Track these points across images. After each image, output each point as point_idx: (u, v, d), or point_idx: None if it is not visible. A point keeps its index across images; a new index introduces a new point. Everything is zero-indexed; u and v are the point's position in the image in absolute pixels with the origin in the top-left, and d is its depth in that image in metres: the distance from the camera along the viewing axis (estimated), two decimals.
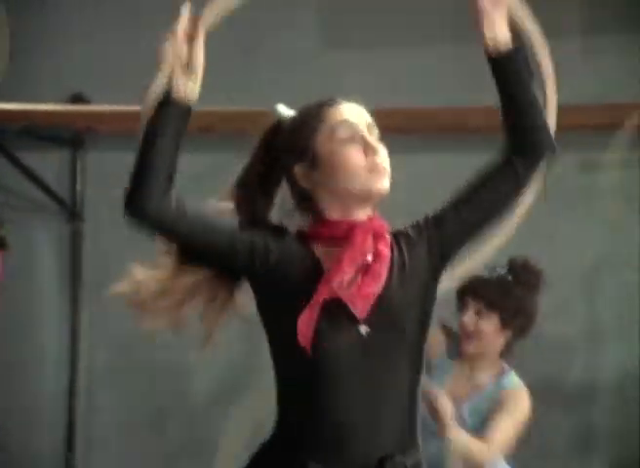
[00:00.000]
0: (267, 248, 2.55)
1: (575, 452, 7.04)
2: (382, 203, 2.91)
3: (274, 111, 2.78)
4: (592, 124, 6.71)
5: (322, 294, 2.46)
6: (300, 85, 7.08)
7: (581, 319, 7.00)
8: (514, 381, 4.11)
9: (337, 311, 2.47)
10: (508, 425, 4.01)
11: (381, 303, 2.51)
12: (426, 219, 2.69)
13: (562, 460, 7.02)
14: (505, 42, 2.58)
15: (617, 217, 6.83)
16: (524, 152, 2.60)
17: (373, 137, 2.61)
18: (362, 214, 2.60)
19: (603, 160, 7.03)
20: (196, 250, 2.57)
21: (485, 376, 4.17)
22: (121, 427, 7.21)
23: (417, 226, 2.69)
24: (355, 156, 2.56)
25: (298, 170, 2.58)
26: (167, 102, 2.45)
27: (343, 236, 2.57)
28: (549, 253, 6.44)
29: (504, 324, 4.13)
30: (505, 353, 4.23)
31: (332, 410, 2.50)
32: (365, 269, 2.54)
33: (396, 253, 2.64)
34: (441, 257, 2.66)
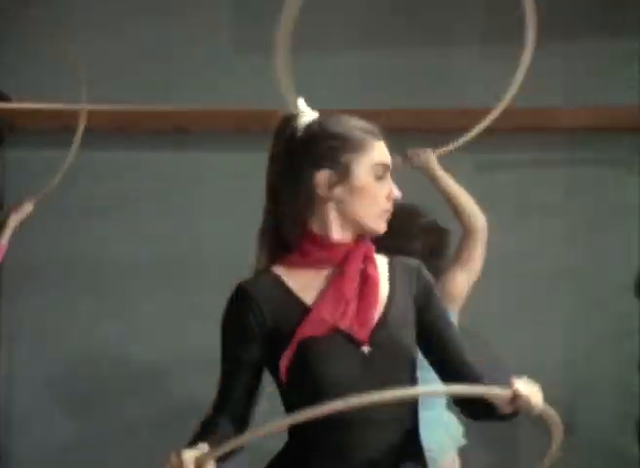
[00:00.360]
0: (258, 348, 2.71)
1: None
2: None
3: (293, 103, 2.97)
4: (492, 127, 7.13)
5: (303, 333, 2.61)
6: (213, 88, 7.44)
7: None
8: None
9: (337, 337, 2.61)
10: None
11: (380, 322, 2.66)
12: (427, 289, 2.83)
13: None
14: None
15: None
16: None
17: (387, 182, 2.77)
18: (353, 239, 2.74)
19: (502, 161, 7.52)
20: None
21: None
22: (42, 411, 7.42)
23: (416, 281, 2.82)
24: (382, 197, 2.72)
25: (322, 175, 2.67)
26: None
27: (340, 261, 2.70)
28: None
29: None
30: None
31: (337, 424, 2.60)
32: (359, 296, 2.67)
33: (391, 273, 2.80)
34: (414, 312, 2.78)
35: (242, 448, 2.58)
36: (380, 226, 2.74)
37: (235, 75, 7.51)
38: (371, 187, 2.71)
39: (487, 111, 5.90)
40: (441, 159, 5.94)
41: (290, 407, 2.70)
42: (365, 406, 2.35)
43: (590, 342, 7.39)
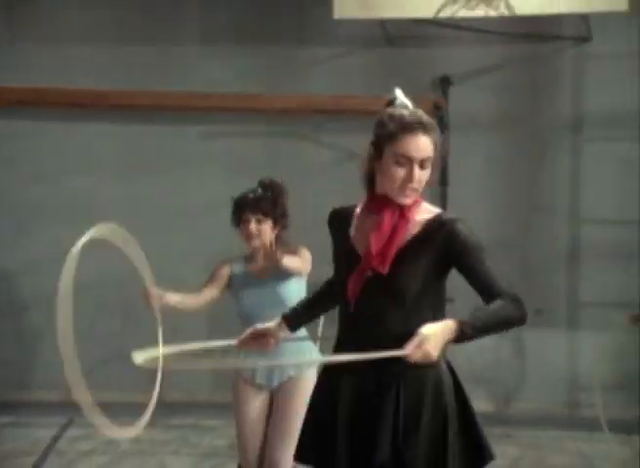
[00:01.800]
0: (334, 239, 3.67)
1: None
2: None
3: (393, 93, 3.62)
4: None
5: (365, 263, 3.44)
6: None
7: None
8: (294, 245, 5.53)
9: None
10: (297, 261, 5.36)
11: (396, 262, 3.42)
12: (451, 236, 3.43)
13: None
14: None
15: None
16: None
17: (418, 169, 3.38)
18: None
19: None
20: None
21: (273, 254, 5.40)
22: None
23: (446, 230, 3.43)
24: (398, 177, 3.38)
25: (370, 152, 3.46)
26: None
27: (375, 211, 3.51)
28: None
29: (275, 224, 5.46)
30: (276, 242, 5.55)
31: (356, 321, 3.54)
32: (390, 240, 3.45)
33: (424, 230, 3.46)
34: (439, 256, 3.44)
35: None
36: (401, 199, 3.42)
37: None
38: (390, 168, 3.38)
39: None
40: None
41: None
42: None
43: None
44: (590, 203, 9.71)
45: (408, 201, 3.41)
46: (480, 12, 8.66)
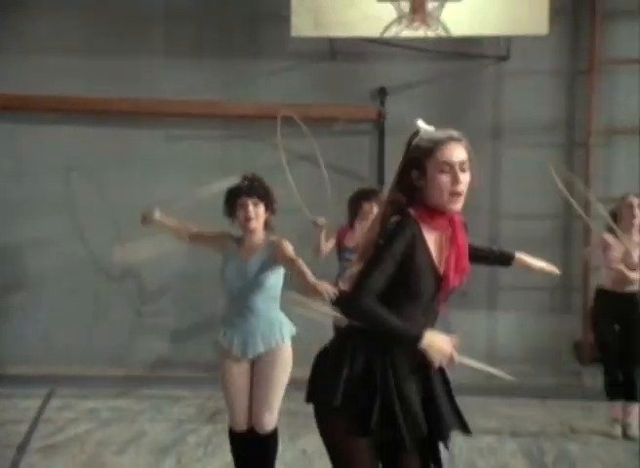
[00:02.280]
0: (402, 261, 3.50)
1: None
2: None
3: (415, 124, 3.75)
4: None
5: (447, 285, 3.59)
6: None
7: None
8: (276, 236, 5.72)
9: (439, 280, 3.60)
10: (290, 249, 5.57)
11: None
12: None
13: None
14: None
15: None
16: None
17: (460, 173, 3.53)
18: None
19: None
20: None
21: (259, 240, 5.68)
22: None
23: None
24: (445, 183, 3.52)
25: (414, 174, 3.55)
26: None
27: (444, 227, 3.60)
28: None
29: (267, 208, 5.65)
30: (267, 226, 5.76)
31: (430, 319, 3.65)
32: (460, 259, 3.65)
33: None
34: None
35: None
36: (452, 206, 3.56)
37: None
38: (436, 179, 3.52)
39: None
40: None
41: (395, 300, 3.58)
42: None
43: None
44: (508, 201, 10.20)
45: (458, 206, 3.58)
46: (420, 32, 9.16)
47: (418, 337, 3.44)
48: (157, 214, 5.98)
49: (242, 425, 5.77)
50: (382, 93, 10.12)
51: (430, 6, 9.22)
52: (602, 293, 7.76)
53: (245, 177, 5.76)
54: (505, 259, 4.34)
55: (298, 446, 7.09)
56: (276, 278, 5.66)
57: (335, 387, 3.60)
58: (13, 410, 8.32)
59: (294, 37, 9.61)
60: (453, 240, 3.62)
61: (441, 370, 3.72)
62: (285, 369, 5.68)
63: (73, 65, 10.10)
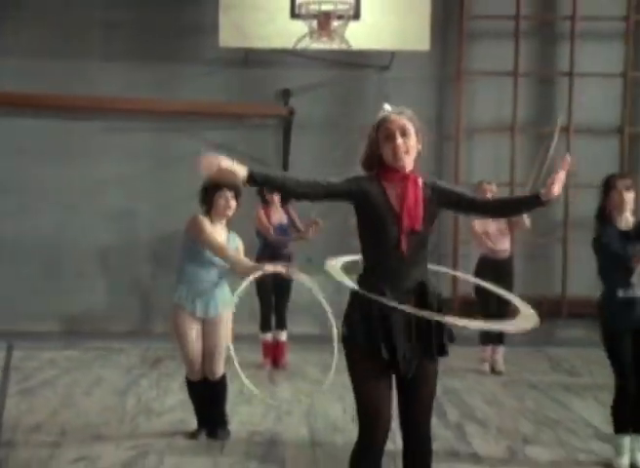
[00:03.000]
0: (359, 189, 3.85)
1: None
2: None
3: (383, 108, 4.05)
4: None
5: (407, 224, 3.84)
6: None
7: None
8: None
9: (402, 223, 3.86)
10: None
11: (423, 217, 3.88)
12: (441, 187, 3.96)
13: None
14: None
15: None
16: (485, 213, 4.25)
17: (400, 137, 3.83)
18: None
19: None
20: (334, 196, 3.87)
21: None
22: None
23: (436, 186, 3.94)
24: (387, 146, 3.86)
25: (374, 145, 3.91)
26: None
27: (400, 182, 3.87)
28: None
29: (237, 201, 5.91)
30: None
31: (397, 256, 3.85)
32: (414, 202, 3.88)
33: (427, 191, 3.92)
34: (437, 206, 3.94)
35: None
36: (398, 164, 3.87)
37: None
38: (381, 144, 3.89)
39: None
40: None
41: (366, 245, 3.93)
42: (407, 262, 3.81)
43: None
44: None
45: (403, 164, 3.87)
46: (326, 45, 9.52)
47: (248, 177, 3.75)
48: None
49: (198, 375, 6.09)
50: (287, 94, 10.59)
51: (335, 23, 9.48)
52: (482, 258, 8.56)
53: None
54: (534, 200, 4.05)
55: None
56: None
57: (350, 329, 3.88)
58: None
59: (214, 46, 9.88)
60: (405, 191, 3.87)
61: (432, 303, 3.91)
62: (228, 327, 6.00)
63: (26, 66, 10.41)
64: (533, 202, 3.96)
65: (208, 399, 6.21)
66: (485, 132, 10.78)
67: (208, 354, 6.06)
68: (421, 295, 3.87)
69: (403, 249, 3.84)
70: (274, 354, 8.65)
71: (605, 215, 5.59)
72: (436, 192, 3.96)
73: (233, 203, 5.98)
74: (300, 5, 9.65)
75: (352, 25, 9.67)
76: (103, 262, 10.82)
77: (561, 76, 10.96)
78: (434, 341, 3.87)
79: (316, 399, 7.22)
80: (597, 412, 6.88)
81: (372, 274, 3.91)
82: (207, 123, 10.64)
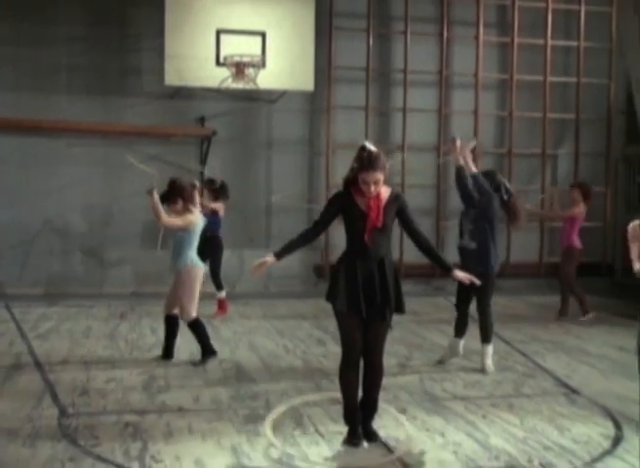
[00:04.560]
0: (341, 206, 4.45)
1: None
2: None
3: (364, 143, 4.54)
4: None
5: (370, 224, 4.42)
6: None
7: None
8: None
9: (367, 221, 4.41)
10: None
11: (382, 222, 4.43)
12: (402, 202, 4.51)
13: None
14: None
15: None
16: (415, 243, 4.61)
17: (373, 185, 4.39)
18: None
19: None
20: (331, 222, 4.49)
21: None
22: None
23: (399, 199, 4.50)
24: (363, 186, 4.43)
25: (354, 169, 4.45)
26: None
27: (367, 196, 4.41)
28: None
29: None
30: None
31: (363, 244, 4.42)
32: (376, 211, 4.41)
33: (390, 201, 4.46)
34: (394, 212, 4.46)
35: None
36: (368, 193, 4.41)
37: None
38: (361, 183, 4.41)
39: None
40: None
41: (349, 234, 4.52)
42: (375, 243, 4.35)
43: None
44: (277, 186, 11.58)
45: (371, 196, 4.46)
46: (241, 85, 10.39)
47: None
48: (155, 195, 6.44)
49: (172, 312, 6.72)
50: (202, 119, 11.39)
51: (249, 70, 10.38)
52: None
53: (175, 181, 6.68)
54: (443, 268, 4.68)
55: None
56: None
57: (332, 289, 4.56)
58: None
59: (150, 83, 10.85)
60: (369, 203, 4.47)
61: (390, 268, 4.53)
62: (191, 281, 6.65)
63: (6, 97, 10.80)
64: (443, 268, 4.66)
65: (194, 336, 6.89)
66: (345, 149, 10.95)
67: (176, 297, 6.76)
68: (381, 267, 4.53)
69: (366, 240, 4.49)
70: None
71: None
72: (397, 204, 4.56)
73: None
74: (224, 56, 10.43)
75: (260, 71, 10.52)
76: (67, 243, 11.28)
77: (396, 111, 12.00)
78: (390, 303, 4.55)
79: (253, 337, 8.04)
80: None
81: (350, 250, 4.57)
82: (144, 140, 11.29)
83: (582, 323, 9.21)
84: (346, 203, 4.47)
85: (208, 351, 6.90)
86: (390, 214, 4.52)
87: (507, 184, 6.74)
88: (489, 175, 6.73)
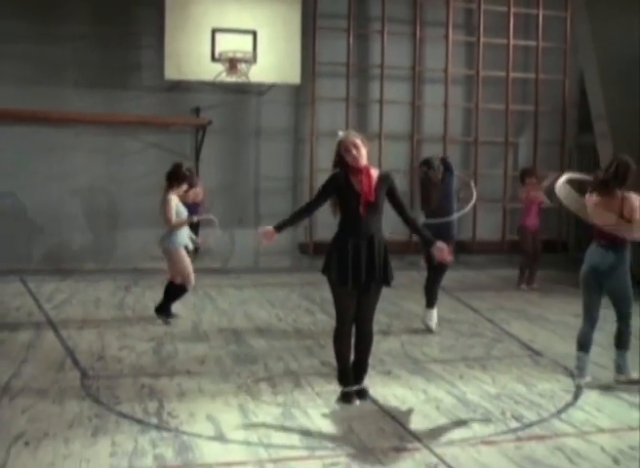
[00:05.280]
0: (336, 187, 4.43)
1: None
2: None
3: (340, 133, 4.54)
4: None
5: (364, 198, 4.40)
6: None
7: None
8: None
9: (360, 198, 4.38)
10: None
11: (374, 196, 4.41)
12: (391, 181, 4.50)
13: None
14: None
15: None
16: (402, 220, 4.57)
17: (354, 149, 4.39)
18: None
19: None
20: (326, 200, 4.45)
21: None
22: None
23: (388, 178, 4.50)
24: (347, 155, 4.43)
25: (338, 151, 4.47)
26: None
27: (358, 173, 4.41)
28: None
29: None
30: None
31: (358, 219, 4.40)
32: (368, 186, 4.39)
33: (380, 180, 4.45)
34: (385, 191, 4.44)
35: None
36: (354, 164, 4.41)
37: None
38: (344, 154, 4.43)
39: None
40: None
41: (343, 212, 4.49)
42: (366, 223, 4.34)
43: None
44: (264, 170, 11.67)
45: (358, 164, 4.43)
46: (234, 78, 10.39)
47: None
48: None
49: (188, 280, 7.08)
50: (198, 110, 11.30)
51: (241, 65, 10.40)
52: None
53: (181, 166, 7.00)
54: (426, 243, 4.69)
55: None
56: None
57: (327, 263, 4.61)
58: (8, 292, 8.89)
59: (151, 77, 10.79)
60: (362, 179, 4.48)
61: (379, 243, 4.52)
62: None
63: (20, 91, 10.68)
64: (425, 243, 4.72)
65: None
66: (327, 136, 11.05)
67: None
68: (370, 244, 4.56)
69: (362, 213, 4.49)
70: None
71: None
72: (386, 184, 4.57)
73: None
74: (219, 53, 10.45)
75: (251, 66, 10.56)
76: (75, 223, 11.24)
77: (374, 103, 12.05)
78: (379, 274, 4.62)
79: (247, 308, 8.13)
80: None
81: (343, 229, 4.58)
82: (145, 129, 11.27)
83: (542, 293, 9.38)
84: (342, 183, 4.47)
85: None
86: (381, 192, 4.53)
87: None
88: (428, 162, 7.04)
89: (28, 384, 5.15)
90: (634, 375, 5.19)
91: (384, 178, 4.54)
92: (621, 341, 5.14)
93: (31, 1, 10.89)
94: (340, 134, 4.51)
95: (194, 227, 8.30)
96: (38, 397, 4.88)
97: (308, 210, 4.69)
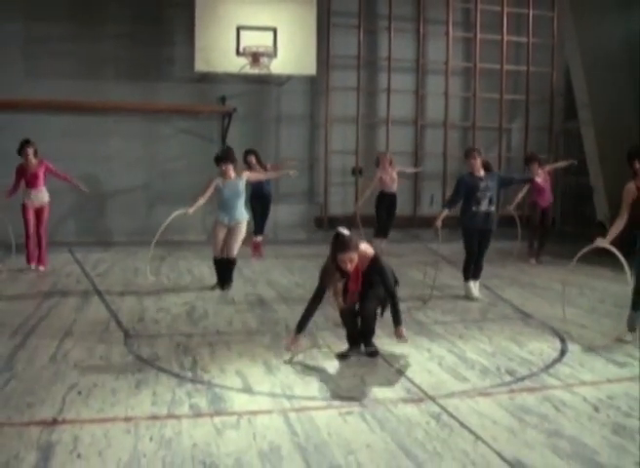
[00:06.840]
0: (330, 280, 4.37)
1: None
2: None
3: (338, 229, 4.36)
4: None
5: (351, 289, 4.45)
6: None
7: None
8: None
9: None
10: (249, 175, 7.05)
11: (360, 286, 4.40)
12: (379, 265, 4.41)
13: None
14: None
15: None
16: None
17: (349, 263, 4.30)
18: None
19: None
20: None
21: (232, 176, 6.81)
22: None
23: (377, 262, 4.40)
24: (342, 266, 4.33)
25: (335, 257, 4.33)
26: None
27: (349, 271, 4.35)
28: None
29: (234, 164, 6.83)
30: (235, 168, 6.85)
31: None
32: (355, 282, 4.41)
33: (369, 267, 4.39)
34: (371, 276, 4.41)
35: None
36: (347, 270, 4.39)
37: None
38: (340, 264, 4.36)
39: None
40: None
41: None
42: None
43: None
44: (284, 153, 11.23)
45: (349, 272, 4.45)
46: (256, 70, 10.33)
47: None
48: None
49: (220, 254, 6.91)
50: (224, 98, 11.21)
51: (263, 59, 10.36)
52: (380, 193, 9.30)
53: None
54: (395, 320, 4.60)
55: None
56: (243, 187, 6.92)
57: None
58: (59, 262, 8.73)
59: (181, 70, 10.65)
60: (352, 275, 4.52)
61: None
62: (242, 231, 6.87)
63: (63, 83, 10.48)
64: (395, 320, 4.55)
65: (225, 269, 7.03)
66: (340, 122, 11.63)
67: (228, 243, 6.89)
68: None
69: (348, 298, 4.57)
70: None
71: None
72: (374, 267, 4.49)
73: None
74: (243, 47, 10.39)
75: (272, 60, 10.52)
76: (116, 201, 11.25)
77: (382, 91, 11.90)
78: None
79: (269, 275, 8.10)
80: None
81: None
82: (176, 116, 11.21)
83: (532, 263, 9.31)
84: (334, 273, 4.47)
85: (231, 280, 7.14)
86: (366, 279, 4.50)
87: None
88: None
89: (79, 342, 5.16)
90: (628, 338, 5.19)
91: (373, 263, 4.46)
92: None
93: (75, 6, 10.80)
94: (342, 231, 4.37)
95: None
96: (87, 353, 4.89)
97: (315, 303, 4.58)
